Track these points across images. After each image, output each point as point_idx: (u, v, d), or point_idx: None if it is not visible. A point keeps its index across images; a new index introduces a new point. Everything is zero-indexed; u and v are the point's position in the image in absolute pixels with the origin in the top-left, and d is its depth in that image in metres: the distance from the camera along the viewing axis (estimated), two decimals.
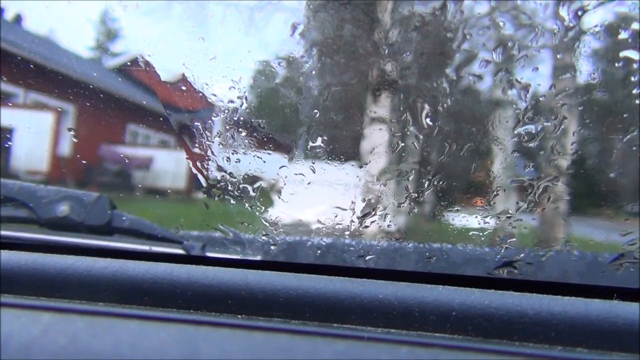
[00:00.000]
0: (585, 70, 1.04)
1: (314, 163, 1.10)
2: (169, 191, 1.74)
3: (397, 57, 1.18)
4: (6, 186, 1.10)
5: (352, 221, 1.07)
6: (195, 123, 1.10)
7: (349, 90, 1.26)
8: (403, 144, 1.13)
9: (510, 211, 1.01)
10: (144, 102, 1.21)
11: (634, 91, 0.95)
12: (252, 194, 1.08)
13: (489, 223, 1.02)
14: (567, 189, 1.04)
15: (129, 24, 1.25)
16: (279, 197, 1.09)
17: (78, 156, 1.34)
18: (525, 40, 1.02)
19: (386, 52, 1.17)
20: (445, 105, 1.06)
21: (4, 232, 1.03)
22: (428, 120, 1.07)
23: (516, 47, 1.01)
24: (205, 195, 1.13)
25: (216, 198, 1.10)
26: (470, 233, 1.04)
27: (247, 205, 1.08)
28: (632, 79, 0.97)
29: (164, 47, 1.15)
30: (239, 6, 1.19)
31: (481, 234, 1.03)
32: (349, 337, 0.64)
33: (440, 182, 1.04)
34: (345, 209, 1.07)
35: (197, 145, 1.10)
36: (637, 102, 0.95)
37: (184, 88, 1.11)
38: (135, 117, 1.40)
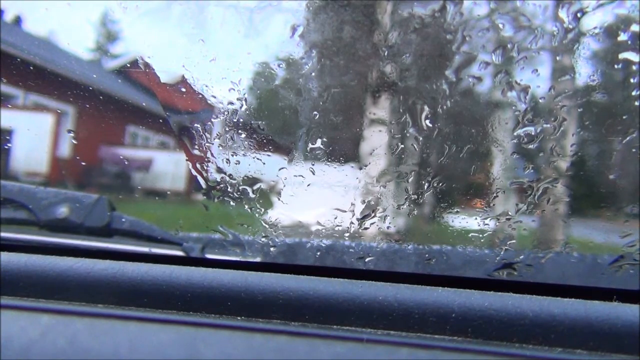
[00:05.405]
0: (584, 72, 1.04)
1: (313, 165, 1.10)
2: (168, 193, 1.74)
3: (396, 59, 1.18)
4: (6, 188, 1.10)
5: (351, 223, 1.07)
6: (195, 125, 1.10)
7: (348, 92, 1.26)
8: (402, 146, 1.13)
9: (509, 213, 1.01)
10: (144, 104, 1.21)
11: (634, 93, 0.95)
12: (251, 195, 1.08)
13: (488, 225, 1.02)
14: (567, 191, 1.04)
15: (129, 25, 1.25)
16: (279, 199, 1.09)
17: (77, 158, 1.34)
18: (524, 42, 1.02)
19: (386, 54, 1.17)
20: (444, 107, 1.06)
21: (3, 234, 1.03)
22: (427, 122, 1.07)
23: (515, 49, 1.01)
24: (204, 197, 1.13)
25: (216, 200, 1.10)
26: (470, 235, 1.04)
27: (246, 206, 1.08)
28: (632, 80, 0.97)
29: (164, 49, 1.15)
30: (238, 8, 1.19)
31: (481, 235, 1.03)
32: (349, 339, 0.64)
33: (440, 184, 1.04)
34: (345, 211, 1.07)
35: (196, 146, 1.10)
36: (636, 104, 0.95)
37: (183, 90, 1.11)
38: (135, 118, 1.40)
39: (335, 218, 1.07)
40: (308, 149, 1.11)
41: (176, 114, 1.14)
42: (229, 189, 1.08)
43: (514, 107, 1.03)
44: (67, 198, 1.10)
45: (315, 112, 1.14)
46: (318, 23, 1.20)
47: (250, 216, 1.08)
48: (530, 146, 1.00)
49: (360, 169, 1.15)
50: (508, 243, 0.99)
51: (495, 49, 1.02)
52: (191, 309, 0.75)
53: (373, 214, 1.06)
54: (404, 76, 1.22)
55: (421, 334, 0.71)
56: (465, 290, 0.77)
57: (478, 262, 1.04)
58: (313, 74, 1.20)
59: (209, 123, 1.09)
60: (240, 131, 1.10)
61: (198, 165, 1.10)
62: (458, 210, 1.08)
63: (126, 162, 2.20)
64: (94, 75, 1.25)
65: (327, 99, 1.17)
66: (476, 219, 1.03)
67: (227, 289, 0.76)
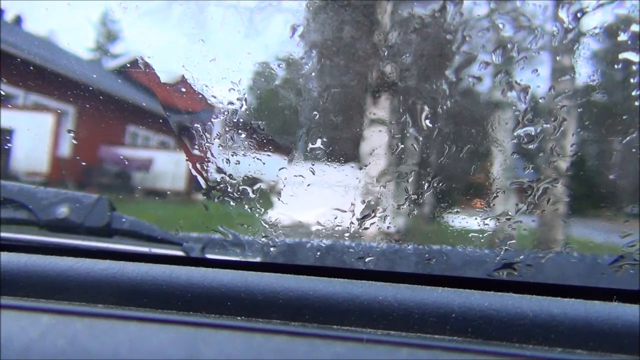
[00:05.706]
0: (584, 72, 1.04)
1: (313, 165, 1.10)
2: (168, 193, 1.74)
3: (396, 59, 1.18)
4: (6, 188, 1.10)
5: (351, 223, 1.07)
6: (195, 125, 1.10)
7: (348, 92, 1.26)
8: (402, 146, 1.13)
9: (509, 213, 1.01)
10: (144, 104, 1.21)
11: (634, 93, 0.95)
12: (251, 195, 1.08)
13: (488, 225, 1.02)
14: (567, 191, 1.04)
15: (129, 25, 1.25)
16: (279, 199, 1.09)
17: (78, 158, 1.34)
18: (524, 42, 1.02)
19: (386, 54, 1.17)
20: (444, 107, 1.06)
21: (3, 234, 1.03)
22: (427, 122, 1.07)
23: (515, 49, 1.01)
24: (204, 197, 1.13)
25: (216, 200, 1.10)
26: (470, 235, 1.04)
27: (246, 206, 1.08)
28: (632, 80, 0.97)
29: (164, 49, 1.15)
30: (238, 8, 1.19)
31: (481, 235, 1.03)
32: (349, 339, 0.64)
33: (440, 184, 1.04)
34: (345, 211, 1.07)
35: (196, 146, 1.10)
36: (636, 104, 0.95)
37: (183, 90, 1.11)
38: (135, 118, 1.40)
39: (335, 218, 1.07)
40: (308, 149, 1.11)
41: (176, 114, 1.14)
42: (229, 189, 1.08)
43: (514, 107, 1.03)
44: (67, 198, 1.10)
45: (315, 112, 1.14)
46: (318, 23, 1.20)
47: (250, 216, 1.08)
48: (530, 146, 1.00)
49: (360, 169, 1.15)
50: (508, 243, 0.99)
51: (495, 49, 1.02)
52: (191, 309, 0.75)
53: (373, 214, 1.06)
54: (404, 76, 1.22)
55: (421, 334, 0.71)
56: (465, 290, 0.77)
57: (478, 262, 1.04)
58: (313, 74, 1.20)
59: (209, 123, 1.09)
60: (240, 131, 1.10)
61: (198, 165, 1.10)
62: (458, 210, 1.08)
63: (126, 162, 2.20)
64: (94, 75, 1.25)
65: (327, 99, 1.17)
66: (476, 219, 1.03)
67: (227, 289, 0.76)
